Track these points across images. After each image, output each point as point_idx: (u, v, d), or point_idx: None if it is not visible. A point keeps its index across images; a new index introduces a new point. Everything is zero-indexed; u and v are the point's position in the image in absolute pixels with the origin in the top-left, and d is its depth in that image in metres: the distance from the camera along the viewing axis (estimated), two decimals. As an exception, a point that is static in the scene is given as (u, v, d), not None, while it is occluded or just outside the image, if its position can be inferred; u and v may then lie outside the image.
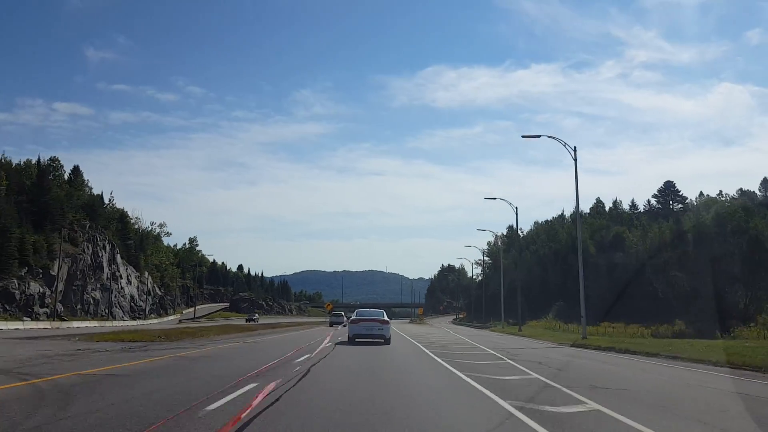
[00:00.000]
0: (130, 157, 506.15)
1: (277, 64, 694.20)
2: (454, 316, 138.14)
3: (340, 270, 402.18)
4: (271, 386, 9.59)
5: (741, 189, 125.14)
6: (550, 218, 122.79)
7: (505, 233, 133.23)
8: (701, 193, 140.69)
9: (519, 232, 74.57)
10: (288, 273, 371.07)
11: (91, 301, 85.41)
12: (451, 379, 13.06)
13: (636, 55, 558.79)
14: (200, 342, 27.65)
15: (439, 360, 18.67)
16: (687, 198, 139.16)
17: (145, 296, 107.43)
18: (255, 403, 7.97)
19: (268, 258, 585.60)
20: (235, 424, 6.83)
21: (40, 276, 73.44)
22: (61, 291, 78.57)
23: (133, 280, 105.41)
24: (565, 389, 11.15)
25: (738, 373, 15.49)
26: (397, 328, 62.74)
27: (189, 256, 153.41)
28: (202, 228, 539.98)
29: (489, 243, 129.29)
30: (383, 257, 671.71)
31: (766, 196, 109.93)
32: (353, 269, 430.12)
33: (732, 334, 41.51)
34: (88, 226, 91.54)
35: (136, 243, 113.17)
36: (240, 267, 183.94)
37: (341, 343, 26.48)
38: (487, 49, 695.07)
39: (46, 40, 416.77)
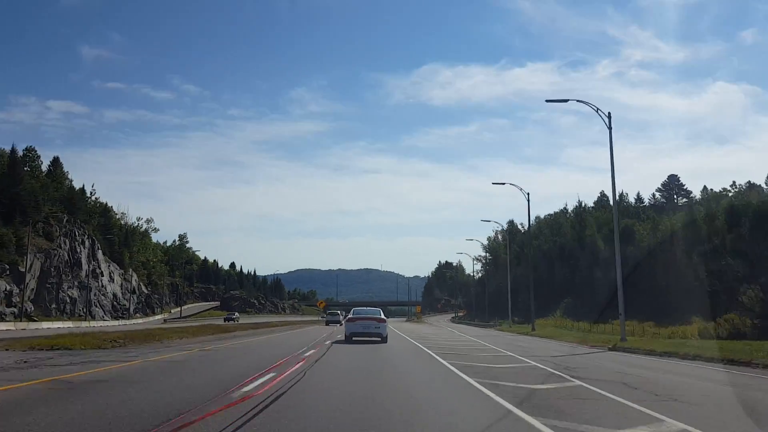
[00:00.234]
0: (125, 155, 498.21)
1: (273, 62, 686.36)
2: (453, 315, 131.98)
3: (335, 268, 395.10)
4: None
5: (749, 182, 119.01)
6: (552, 213, 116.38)
7: (505, 227, 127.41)
8: (705, 188, 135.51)
9: (528, 222, 67.64)
10: (283, 272, 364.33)
11: (68, 300, 78.90)
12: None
13: (632, 54, 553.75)
14: (145, 349, 21.43)
15: (467, 378, 12.38)
16: (691, 192, 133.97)
17: (129, 295, 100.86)
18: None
19: (264, 257, 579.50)
20: None
21: (8, 272, 66.94)
22: (33, 289, 72.10)
23: (117, 278, 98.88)
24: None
25: None
26: (395, 327, 56.85)
27: (179, 254, 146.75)
28: (198, 227, 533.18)
29: (489, 238, 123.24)
30: (379, 256, 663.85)
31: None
32: (348, 268, 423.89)
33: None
34: (65, 219, 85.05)
35: (121, 239, 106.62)
36: (232, 265, 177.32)
37: (338, 342, 25.23)
38: (482, 47, 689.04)
39: (40, 37, 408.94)
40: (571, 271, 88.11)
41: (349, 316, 28.07)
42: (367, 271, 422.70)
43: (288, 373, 12.66)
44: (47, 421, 6.98)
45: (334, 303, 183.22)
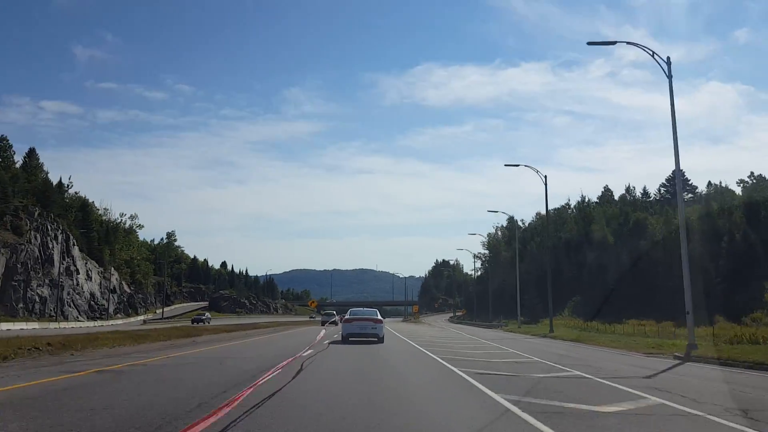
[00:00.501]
0: (119, 156, 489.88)
1: (267, 62, 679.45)
2: (451, 314, 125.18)
3: (330, 269, 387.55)
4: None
5: (761, 175, 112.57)
6: (555, 208, 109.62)
7: (505, 224, 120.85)
8: (709, 183, 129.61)
9: (546, 206, 60.28)
10: (278, 272, 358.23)
11: (37, 300, 71.79)
12: None
13: (625, 53, 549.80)
14: (49, 361, 14.78)
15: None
16: (697, 188, 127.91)
17: (109, 294, 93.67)
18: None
19: (258, 257, 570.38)
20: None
21: (-36, 269, 59.87)
22: (-5, 287, 65.07)
23: (95, 276, 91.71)
24: None
25: None
26: (392, 329, 50.25)
27: (166, 252, 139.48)
28: (192, 227, 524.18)
29: (489, 235, 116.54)
30: (374, 256, 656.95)
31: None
32: (343, 268, 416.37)
33: None
34: (37, 213, 77.95)
35: (101, 235, 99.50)
36: (223, 264, 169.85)
37: (335, 342, 24.15)
38: (476, 47, 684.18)
39: (33, 37, 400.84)
40: (578, 268, 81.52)
41: (346, 317, 27.56)
42: (362, 272, 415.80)
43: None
44: None
45: (329, 303, 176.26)
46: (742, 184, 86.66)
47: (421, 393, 10.29)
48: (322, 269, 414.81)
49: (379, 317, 27.31)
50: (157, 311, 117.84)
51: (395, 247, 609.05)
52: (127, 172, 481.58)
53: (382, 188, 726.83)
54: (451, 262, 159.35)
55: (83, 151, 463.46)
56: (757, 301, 65.24)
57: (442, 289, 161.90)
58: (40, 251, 75.54)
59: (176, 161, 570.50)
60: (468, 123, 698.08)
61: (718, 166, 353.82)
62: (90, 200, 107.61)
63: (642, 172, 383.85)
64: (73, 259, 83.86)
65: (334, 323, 62.06)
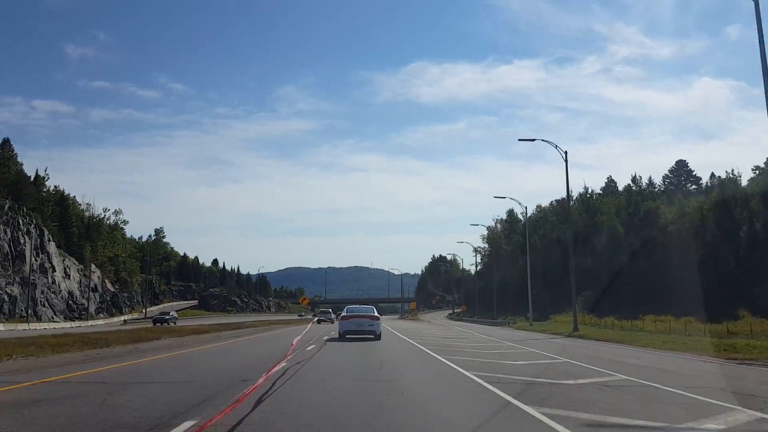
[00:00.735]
0: (112, 155, 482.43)
1: (260, 60, 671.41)
2: (450, 311, 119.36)
3: (324, 267, 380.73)
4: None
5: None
6: (558, 199, 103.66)
7: (505, 217, 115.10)
8: (713, 174, 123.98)
9: (567, 187, 54.47)
10: (272, 270, 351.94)
11: (6, 299, 65.49)
12: None
13: (618, 50, 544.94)
14: None
15: None
16: (701, 179, 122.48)
17: (90, 293, 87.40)
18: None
19: (252, 255, 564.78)
20: None
21: None
22: (-43, 286, 58.83)
23: (74, 274, 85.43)
24: None
25: None
26: (391, 327, 44.63)
27: (154, 249, 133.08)
28: (186, 226, 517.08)
29: (489, 228, 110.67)
30: (369, 253, 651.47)
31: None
32: (338, 266, 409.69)
33: None
34: (7, 206, 71.60)
35: (81, 231, 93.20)
36: (215, 262, 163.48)
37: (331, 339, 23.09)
38: (470, 44, 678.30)
39: (25, 36, 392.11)
40: (587, 260, 75.58)
41: (343, 314, 27.47)
42: (357, 269, 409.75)
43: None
44: None
45: (323, 301, 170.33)
46: (757, 170, 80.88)
47: None
48: (316, 267, 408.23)
49: (376, 314, 26.87)
50: (144, 310, 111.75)
51: (390, 245, 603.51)
52: (121, 172, 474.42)
53: (377, 186, 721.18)
54: (449, 258, 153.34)
55: (76, 151, 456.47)
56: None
57: (439, 286, 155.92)
58: (10, 247, 69.28)
59: (170, 160, 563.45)
60: (462, 120, 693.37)
61: (711, 161, 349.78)
62: (70, 195, 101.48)
63: (635, 168, 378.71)
64: (48, 256, 77.58)
65: (330, 321, 58.28)
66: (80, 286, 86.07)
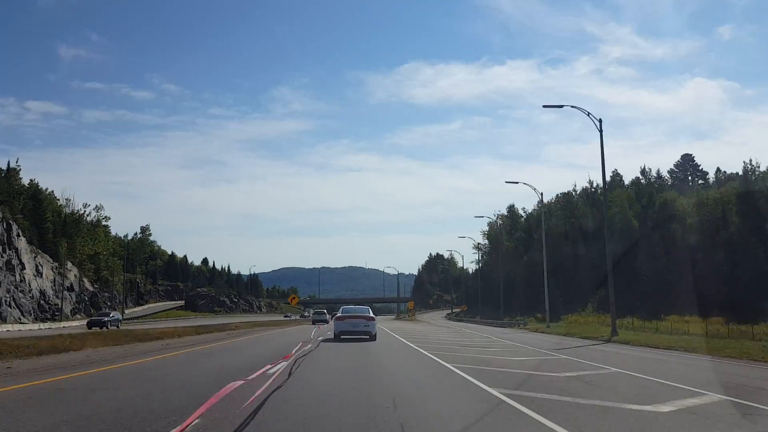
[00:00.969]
0: (105, 155, 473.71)
1: (254, 61, 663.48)
2: (448, 311, 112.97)
3: (319, 267, 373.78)
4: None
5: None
6: (563, 192, 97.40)
7: (506, 212, 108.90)
8: (718, 169, 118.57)
9: (602, 160, 47.89)
10: (266, 271, 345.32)
11: (-36, 299, 58.78)
12: None
13: (610, 51, 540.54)
14: None
15: None
16: (707, 173, 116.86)
17: (64, 292, 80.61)
18: None
19: (247, 256, 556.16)
20: None
21: None
22: None
23: (47, 272, 78.69)
24: None
25: None
26: (389, 328, 38.52)
27: (140, 248, 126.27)
28: (180, 227, 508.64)
29: (490, 223, 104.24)
30: (363, 254, 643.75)
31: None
32: (333, 266, 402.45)
33: None
34: (-31, 198, 64.88)
35: (57, 227, 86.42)
36: (204, 261, 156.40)
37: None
38: (463, 45, 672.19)
39: (17, 37, 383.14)
40: (601, 256, 69.14)
41: (338, 315, 26.79)
42: (351, 269, 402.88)
43: None
44: None
45: (317, 301, 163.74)
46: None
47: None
48: (311, 267, 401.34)
49: (371, 315, 26.43)
50: (126, 311, 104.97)
51: (384, 245, 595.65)
52: (114, 172, 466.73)
53: (371, 186, 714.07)
54: (446, 256, 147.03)
55: (69, 152, 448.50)
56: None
57: (436, 285, 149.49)
58: (-30, 242, 62.55)
59: (164, 161, 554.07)
60: (456, 121, 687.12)
61: (704, 161, 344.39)
62: (47, 189, 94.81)
63: (629, 168, 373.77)
64: (17, 252, 70.80)
65: (325, 322, 55.89)
66: (54, 285, 79.33)
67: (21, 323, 62.71)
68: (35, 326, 60.44)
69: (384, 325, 57.61)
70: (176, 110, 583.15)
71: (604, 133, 31.17)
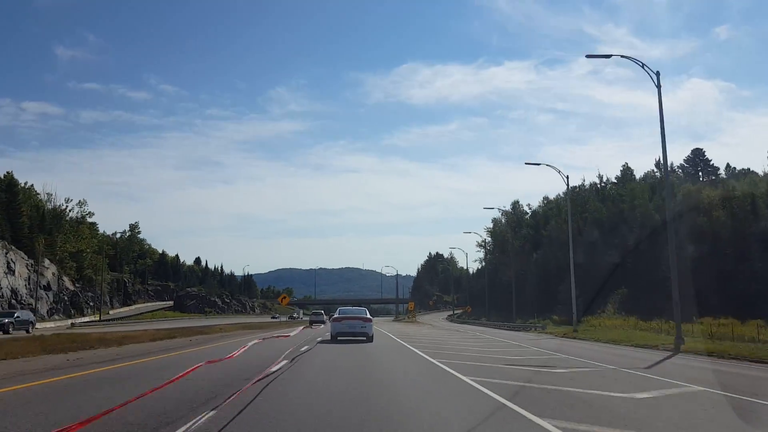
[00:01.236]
0: (102, 156, 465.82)
1: (251, 61, 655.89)
2: (450, 312, 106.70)
3: (316, 268, 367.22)
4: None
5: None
6: (574, 186, 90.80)
7: (510, 208, 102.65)
8: (728, 165, 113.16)
9: (663, 139, 39.90)
10: (263, 271, 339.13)
11: None
12: None
13: (607, 51, 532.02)
14: None
15: None
16: (719, 169, 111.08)
17: (38, 291, 74.09)
18: None
19: (244, 257, 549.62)
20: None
21: None
22: None
23: (21, 270, 72.22)
24: None
25: None
26: (390, 331, 32.64)
27: (129, 246, 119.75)
28: (177, 227, 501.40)
29: (494, 219, 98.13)
30: (360, 255, 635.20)
31: None
32: (330, 267, 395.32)
33: None
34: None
35: (35, 222, 79.94)
36: (197, 260, 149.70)
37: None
38: (460, 46, 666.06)
39: (14, 37, 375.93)
40: (621, 253, 62.99)
41: (335, 316, 26.27)
42: (348, 270, 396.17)
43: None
44: None
45: (313, 302, 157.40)
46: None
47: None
48: (307, 268, 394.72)
49: (368, 316, 25.52)
50: (111, 312, 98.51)
51: (382, 246, 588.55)
52: (112, 173, 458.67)
53: (368, 187, 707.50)
54: (446, 256, 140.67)
55: (66, 152, 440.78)
56: None
57: (436, 285, 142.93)
58: (-72, 235, 56.02)
59: (161, 161, 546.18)
60: (453, 121, 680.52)
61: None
62: (26, 183, 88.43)
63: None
64: (-16, 248, 64.34)
65: (322, 323, 53.92)
66: (28, 284, 72.81)
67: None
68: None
69: (384, 327, 51.37)
70: (173, 111, 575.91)
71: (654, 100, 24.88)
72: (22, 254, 74.21)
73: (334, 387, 9.65)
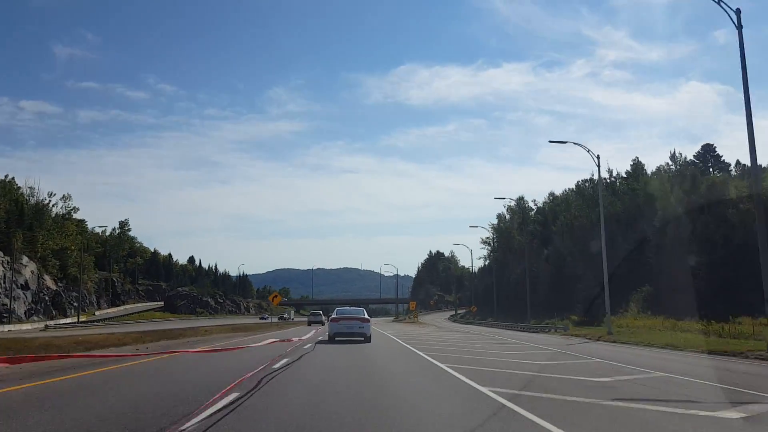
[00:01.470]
0: (100, 156, 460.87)
1: (250, 62, 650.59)
2: (452, 312, 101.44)
3: (314, 268, 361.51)
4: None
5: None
6: (582, 180, 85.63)
7: (514, 203, 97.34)
8: (738, 162, 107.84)
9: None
10: (261, 272, 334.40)
11: None
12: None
13: (606, 54, 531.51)
14: None
15: None
16: (729, 165, 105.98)
17: (18, 291, 68.75)
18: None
19: (241, 257, 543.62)
20: None
21: None
22: None
23: (-5, 268, 66.80)
24: None
25: None
26: (390, 332, 27.52)
27: (118, 244, 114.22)
28: (175, 228, 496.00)
29: (499, 215, 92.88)
30: (358, 255, 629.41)
31: None
32: (328, 267, 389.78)
33: None
34: None
35: (12, 217, 74.55)
36: (191, 259, 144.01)
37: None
38: (459, 47, 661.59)
39: (12, 36, 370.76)
40: (640, 248, 57.64)
41: (333, 316, 25.49)
42: (346, 270, 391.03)
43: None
44: None
45: (310, 302, 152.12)
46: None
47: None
48: (305, 269, 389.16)
49: (366, 316, 24.67)
50: (98, 312, 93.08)
51: (380, 246, 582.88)
52: (109, 173, 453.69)
53: (366, 188, 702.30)
54: (447, 255, 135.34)
55: (64, 152, 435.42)
56: None
57: (437, 285, 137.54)
58: None
59: (159, 161, 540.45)
60: (451, 123, 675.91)
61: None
62: (6, 176, 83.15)
63: (622, 171, 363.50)
64: (-49, 243, 58.89)
65: (321, 323, 52.48)
66: (4, 282, 67.40)
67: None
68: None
69: (384, 329, 46.13)
70: (171, 111, 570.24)
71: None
72: (-2, 251, 68.96)
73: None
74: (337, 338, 23.04)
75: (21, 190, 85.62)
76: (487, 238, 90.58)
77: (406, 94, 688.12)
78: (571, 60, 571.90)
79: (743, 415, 7.24)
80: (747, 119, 19.35)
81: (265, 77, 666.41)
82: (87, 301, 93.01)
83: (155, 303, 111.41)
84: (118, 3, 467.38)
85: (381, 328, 47.08)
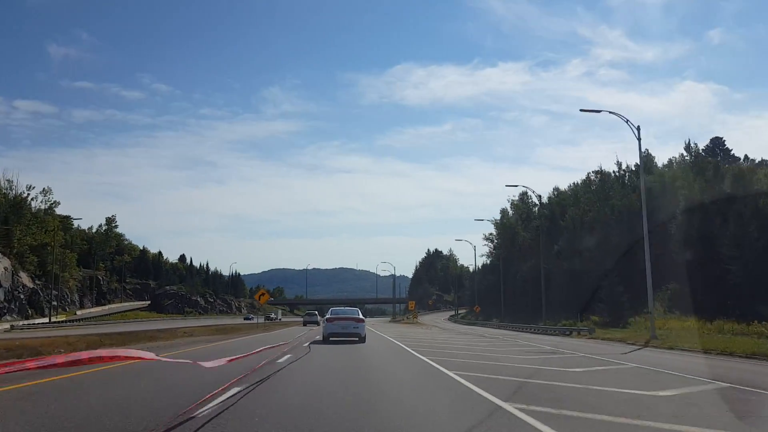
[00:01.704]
0: (95, 156, 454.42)
1: (245, 61, 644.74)
2: (451, 312, 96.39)
3: (309, 268, 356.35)
4: None
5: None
6: (595, 171, 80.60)
7: (517, 198, 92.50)
8: (746, 156, 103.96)
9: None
10: (256, 272, 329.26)
11: None
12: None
13: (601, 53, 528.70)
14: None
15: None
16: (739, 159, 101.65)
17: (-12, 289, 63.44)
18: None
19: (236, 257, 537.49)
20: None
21: None
22: None
23: (-37, 263, 61.40)
24: None
25: None
26: (391, 335, 22.41)
27: (105, 241, 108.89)
28: (170, 228, 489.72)
29: (503, 210, 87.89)
30: (354, 255, 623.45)
31: None
32: (323, 267, 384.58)
33: None
34: None
35: (-15, 209, 69.23)
36: (182, 257, 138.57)
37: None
38: (455, 47, 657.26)
39: (6, 35, 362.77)
40: (662, 244, 52.48)
41: (327, 316, 24.94)
42: (342, 270, 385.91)
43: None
44: None
45: (305, 301, 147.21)
46: None
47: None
48: (300, 268, 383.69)
49: (361, 317, 24.43)
50: (80, 312, 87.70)
51: (375, 246, 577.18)
52: (104, 173, 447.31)
53: (362, 188, 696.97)
54: (445, 253, 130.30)
55: (58, 151, 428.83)
56: None
57: (435, 284, 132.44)
58: None
59: (154, 161, 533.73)
60: (447, 122, 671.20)
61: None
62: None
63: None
64: None
65: (316, 324, 51.38)
66: (-27, 280, 62.07)
67: None
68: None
69: (384, 330, 41.03)
70: (167, 110, 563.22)
71: None
72: (-33, 246, 63.58)
73: None
74: (331, 338, 22.73)
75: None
76: (490, 234, 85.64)
77: (401, 93, 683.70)
78: (567, 59, 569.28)
79: None
80: None
81: (261, 77, 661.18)
82: (68, 300, 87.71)
83: (141, 302, 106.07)
84: (113, 3, 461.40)
85: (380, 330, 41.82)
